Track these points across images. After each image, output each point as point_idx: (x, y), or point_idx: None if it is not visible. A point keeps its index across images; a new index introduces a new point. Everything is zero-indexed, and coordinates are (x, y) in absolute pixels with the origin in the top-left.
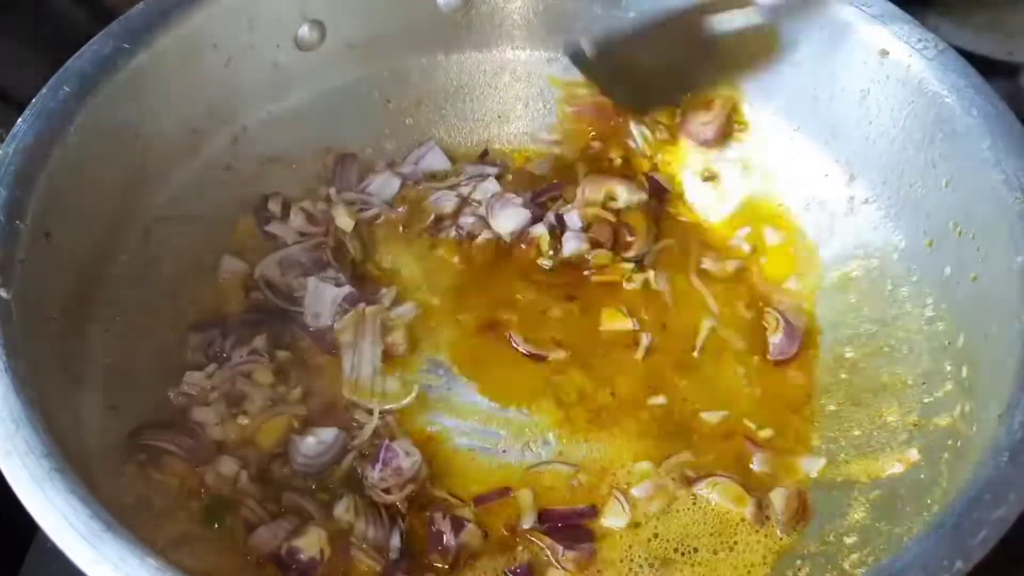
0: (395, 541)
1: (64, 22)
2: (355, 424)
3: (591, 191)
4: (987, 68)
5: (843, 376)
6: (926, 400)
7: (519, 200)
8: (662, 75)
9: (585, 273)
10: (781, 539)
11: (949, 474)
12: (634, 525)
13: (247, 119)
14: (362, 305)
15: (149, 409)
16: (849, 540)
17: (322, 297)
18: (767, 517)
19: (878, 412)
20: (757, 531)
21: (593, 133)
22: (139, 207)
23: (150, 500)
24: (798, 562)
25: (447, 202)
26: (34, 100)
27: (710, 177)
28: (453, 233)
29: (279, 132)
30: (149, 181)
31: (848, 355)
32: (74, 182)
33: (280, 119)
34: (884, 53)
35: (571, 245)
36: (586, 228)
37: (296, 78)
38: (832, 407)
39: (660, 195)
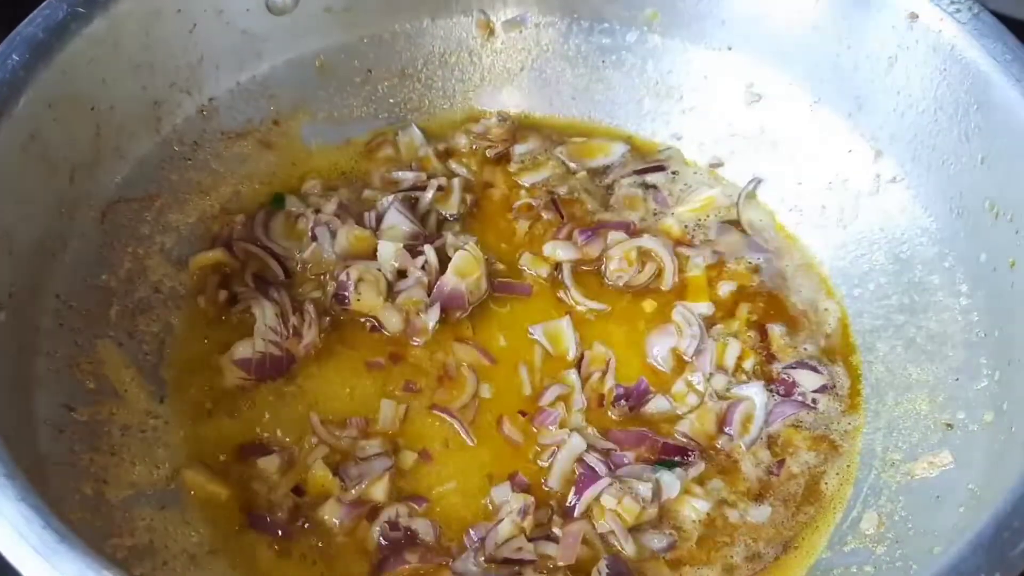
0: None
1: None
2: None
3: None
4: None
5: (868, 372)
6: (960, 398)
7: None
8: None
9: None
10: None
11: (984, 478)
12: None
13: (214, 90)
14: None
15: (107, 408)
16: (879, 547)
17: None
18: None
19: (907, 411)
20: None
21: None
22: (94, 188)
23: (110, 506)
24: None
25: None
26: None
27: (716, 164)
28: None
29: (249, 105)
30: (106, 159)
31: (875, 347)
32: (23, 161)
33: (250, 90)
34: (913, 16)
35: None
36: None
37: (268, 45)
38: None
39: None
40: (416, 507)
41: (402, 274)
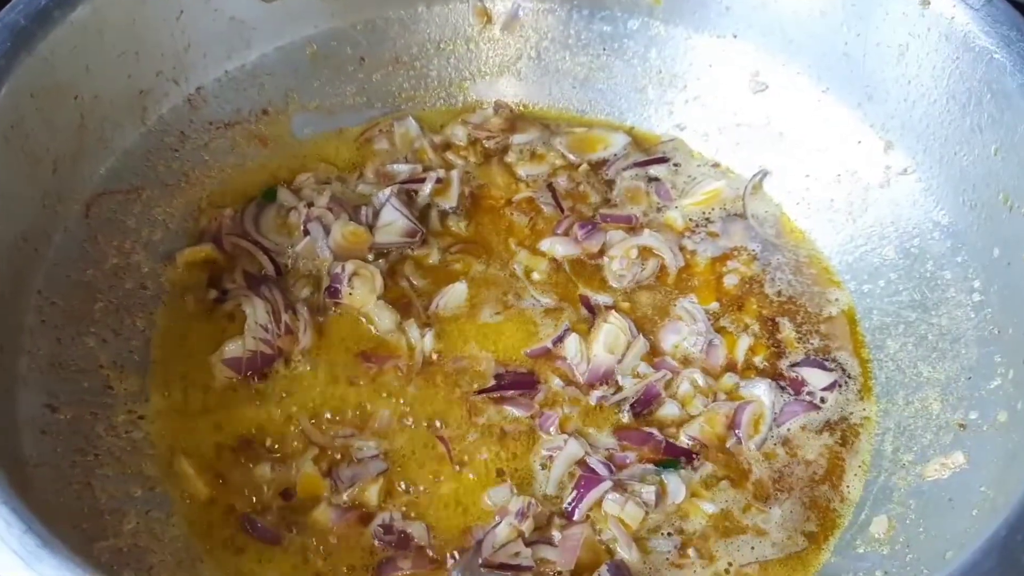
0: None
1: None
2: None
3: None
4: None
5: (878, 371)
6: (973, 397)
7: None
8: None
9: None
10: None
11: (998, 480)
12: None
13: (202, 79)
14: None
15: (91, 408)
16: (889, 551)
17: None
18: None
19: (918, 411)
20: None
21: None
22: (78, 180)
23: (94, 509)
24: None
25: None
26: None
27: (714, 165)
28: None
29: (238, 94)
30: (90, 150)
31: (885, 345)
32: (4, 152)
33: (239, 79)
34: (925, 3)
35: None
36: None
37: (257, 32)
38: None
39: None
40: (410, 509)
41: None
